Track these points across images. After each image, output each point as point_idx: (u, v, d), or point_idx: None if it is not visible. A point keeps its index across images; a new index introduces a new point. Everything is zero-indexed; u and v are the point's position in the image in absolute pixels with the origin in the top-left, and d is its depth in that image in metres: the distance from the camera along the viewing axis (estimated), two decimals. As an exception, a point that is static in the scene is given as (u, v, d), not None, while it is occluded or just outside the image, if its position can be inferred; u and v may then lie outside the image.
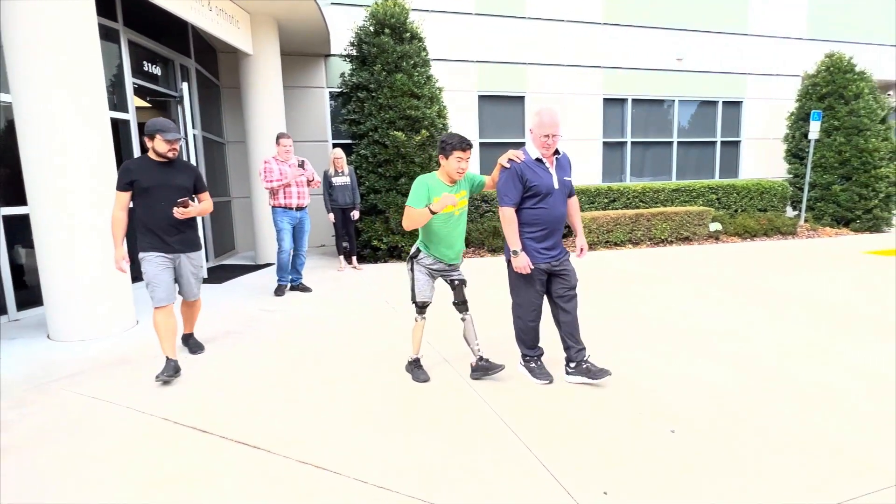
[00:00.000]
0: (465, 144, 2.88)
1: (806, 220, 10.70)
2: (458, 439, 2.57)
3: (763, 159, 12.17)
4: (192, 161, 7.18)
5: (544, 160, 2.97)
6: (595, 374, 3.05)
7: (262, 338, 4.25)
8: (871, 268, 6.85)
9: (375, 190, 7.38)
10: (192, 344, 3.91)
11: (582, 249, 3.24)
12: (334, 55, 9.05)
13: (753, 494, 2.07)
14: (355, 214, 6.87)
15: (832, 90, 10.29)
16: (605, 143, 10.97)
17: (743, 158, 12.10)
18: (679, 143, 11.56)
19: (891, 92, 13.66)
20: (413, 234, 7.51)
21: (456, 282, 3.15)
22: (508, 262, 3.08)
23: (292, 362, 3.67)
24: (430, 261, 3.04)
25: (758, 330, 4.23)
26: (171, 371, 3.28)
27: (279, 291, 5.66)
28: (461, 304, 3.17)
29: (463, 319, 3.20)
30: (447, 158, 2.91)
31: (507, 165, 2.95)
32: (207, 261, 7.60)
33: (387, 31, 7.35)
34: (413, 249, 3.09)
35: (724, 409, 2.82)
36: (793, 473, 2.21)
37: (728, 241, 9.46)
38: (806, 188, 10.54)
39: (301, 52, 8.97)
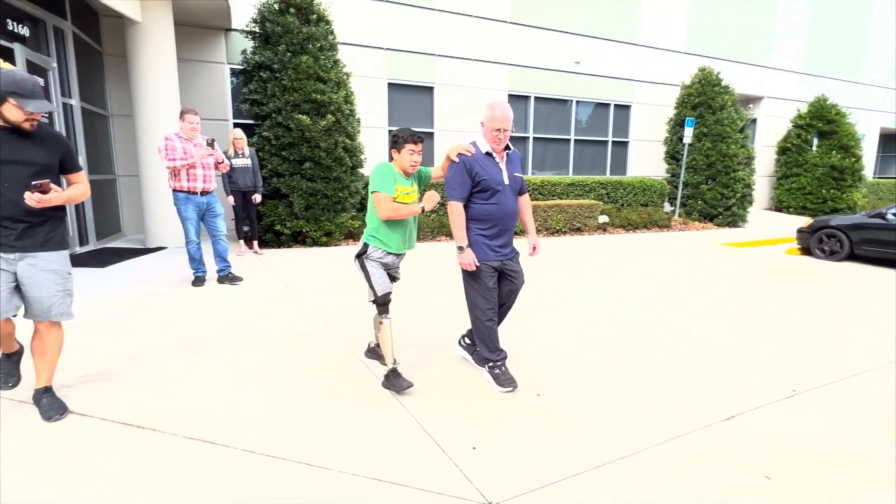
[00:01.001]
0: (416, 138, 2.81)
1: (679, 215, 12.07)
2: (346, 409, 2.74)
3: (647, 159, 13.47)
4: (69, 135, 6.55)
5: (494, 155, 2.89)
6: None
7: (147, 322, 4.09)
8: (724, 257, 7.99)
9: (279, 173, 7.23)
10: (45, 405, 2.54)
11: (534, 248, 3.17)
12: (236, 30, 8.63)
13: (596, 441, 2.47)
14: (257, 198, 6.70)
15: (702, 101, 11.65)
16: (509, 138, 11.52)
17: (630, 157, 13.31)
18: (576, 140, 12.46)
19: (751, 105, 15.67)
20: (320, 220, 7.47)
21: (393, 278, 3.05)
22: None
23: (179, 345, 3.60)
24: (380, 254, 2.90)
25: (625, 305, 4.83)
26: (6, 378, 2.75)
27: (197, 282, 5.20)
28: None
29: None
30: (399, 152, 2.82)
31: (456, 160, 2.85)
32: (87, 243, 7.00)
33: (292, 10, 7.17)
34: (360, 246, 2.92)
35: (586, 376, 3.26)
36: (627, 422, 2.66)
37: (614, 232, 10.44)
38: (680, 187, 11.89)
39: (198, 23, 8.44)
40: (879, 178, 20.19)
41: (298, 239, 7.57)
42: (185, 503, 1.98)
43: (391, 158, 2.92)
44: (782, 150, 14.91)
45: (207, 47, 8.66)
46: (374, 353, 3.23)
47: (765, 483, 2.19)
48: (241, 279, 5.37)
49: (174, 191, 4.96)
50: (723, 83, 11.80)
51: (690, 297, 5.39)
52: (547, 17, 11.46)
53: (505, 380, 3.00)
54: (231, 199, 6.59)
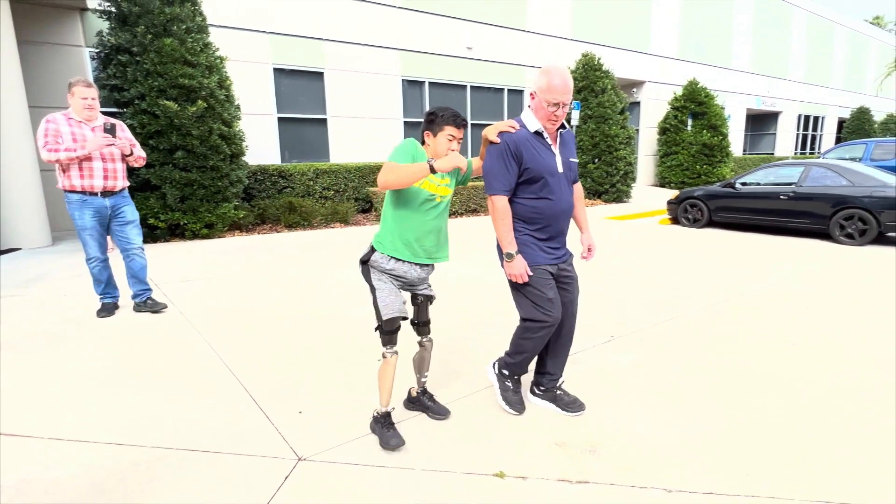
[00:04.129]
0: (459, 120, 2.16)
1: (572, 194, 12.81)
2: (182, 390, 2.71)
3: (542, 142, 14.10)
4: None
5: (546, 135, 2.27)
6: (568, 404, 2.50)
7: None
8: (605, 229, 8.63)
9: (148, 164, 6.80)
10: None
11: (590, 249, 2.58)
12: (92, 10, 7.95)
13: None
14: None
15: (586, 85, 12.40)
16: (406, 123, 11.62)
17: (526, 140, 13.87)
18: (473, 124, 12.78)
19: (634, 89, 16.90)
20: (199, 211, 7.14)
21: (420, 298, 2.35)
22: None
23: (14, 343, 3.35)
24: (390, 264, 2.19)
25: (499, 277, 5.11)
26: None
27: (104, 311, 4.00)
28: (421, 326, 2.39)
29: (420, 344, 2.40)
30: (435, 136, 2.17)
31: (497, 140, 2.22)
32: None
33: (152, -12, 6.74)
34: (365, 251, 2.24)
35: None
36: (457, 374, 2.87)
37: (509, 211, 10.87)
38: (571, 166, 12.60)
39: (46, 1, 7.67)
40: (749, 154, 22.61)
41: (176, 232, 7.21)
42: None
43: (423, 142, 2.23)
44: (662, 131, 16.24)
45: (61, 28, 7.90)
46: (418, 402, 2.54)
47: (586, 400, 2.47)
48: (165, 306, 4.16)
49: (65, 191, 3.79)
50: (603, 68, 12.61)
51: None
52: (437, 2, 11.60)
53: (514, 400, 2.49)
54: None
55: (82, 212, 3.79)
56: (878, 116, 26.51)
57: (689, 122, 15.72)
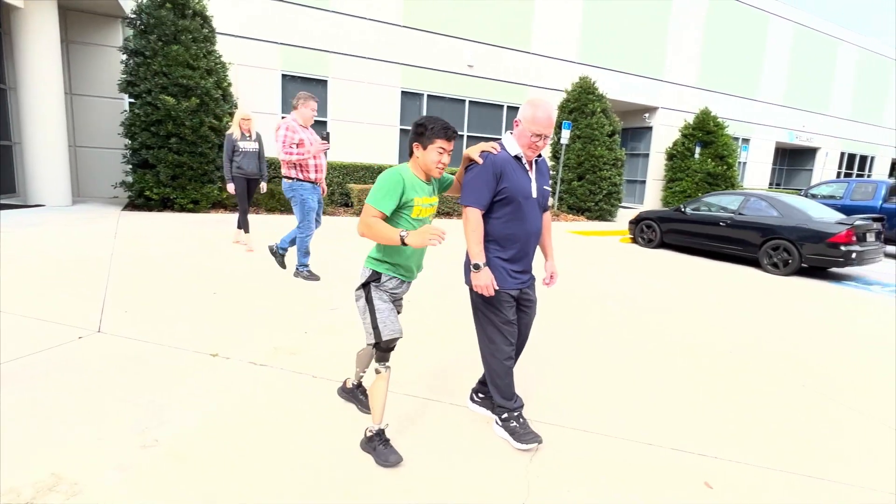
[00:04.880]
0: (450, 133, 2.16)
1: (558, 208, 13.42)
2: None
3: (538, 157, 14.75)
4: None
5: (524, 160, 2.39)
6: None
7: None
8: (563, 242, 9.07)
9: (148, 146, 8.31)
10: None
11: (552, 276, 2.62)
12: (125, 18, 9.67)
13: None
14: (263, 186, 6.36)
15: (577, 106, 13.02)
16: (402, 130, 12.74)
17: (523, 155, 14.58)
18: (469, 137, 13.71)
19: (647, 115, 17.16)
20: (187, 189, 8.54)
21: (397, 309, 2.35)
22: (471, 286, 2.38)
23: None
24: (394, 283, 2.25)
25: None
26: None
27: (303, 275, 5.07)
28: None
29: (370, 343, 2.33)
30: (425, 148, 2.16)
31: (479, 160, 2.31)
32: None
33: (168, 5, 8.25)
34: (367, 272, 2.23)
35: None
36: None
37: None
38: (559, 183, 13.23)
39: (91, 10, 9.42)
40: (781, 188, 21.95)
41: (167, 205, 8.66)
42: None
43: (410, 153, 2.23)
44: (670, 156, 16.41)
45: (102, 32, 9.66)
46: (352, 394, 2.65)
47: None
48: (318, 278, 5.11)
49: (301, 181, 4.76)
50: (597, 91, 13.17)
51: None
52: (439, 22, 12.67)
53: (526, 435, 2.41)
54: (231, 186, 6.08)
55: (312, 196, 4.82)
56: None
57: (697, 150, 15.81)
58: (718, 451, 2.46)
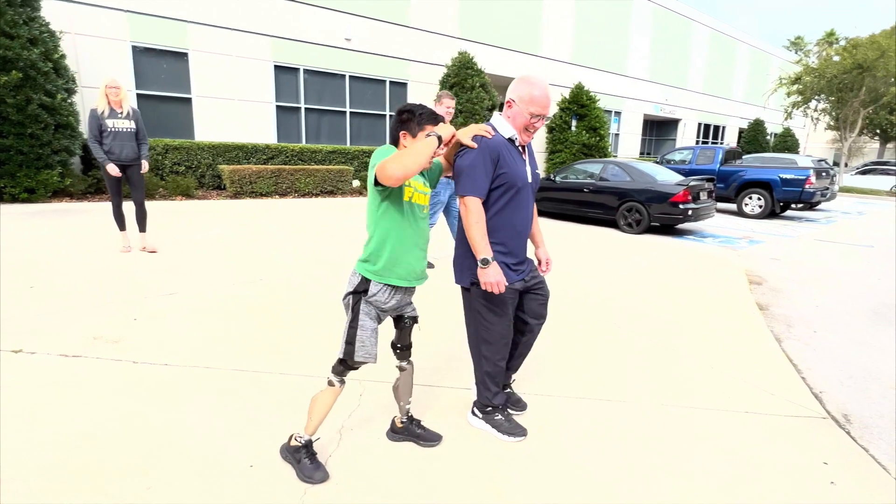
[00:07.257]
0: (438, 118, 1.98)
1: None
2: None
3: (425, 133, 14.86)
4: None
5: (517, 143, 2.19)
6: (518, 401, 2.51)
7: None
8: None
9: (-38, 129, 7.17)
10: None
11: (548, 262, 2.44)
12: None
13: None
14: (144, 165, 5.18)
15: (457, 81, 13.23)
16: (278, 107, 12.13)
17: (409, 131, 14.60)
18: (352, 113, 13.42)
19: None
20: (18, 176, 7.48)
21: (406, 320, 2.13)
22: (468, 287, 2.24)
23: None
24: (386, 294, 1.98)
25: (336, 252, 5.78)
26: None
27: None
28: (403, 349, 2.18)
29: (401, 368, 2.19)
30: (415, 136, 1.94)
31: (472, 144, 2.05)
32: None
33: (-30, -40, 7.05)
34: (355, 280, 1.98)
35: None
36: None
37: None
38: (444, 157, 13.42)
39: None
40: (649, 157, 24.15)
41: (-6, 197, 7.58)
42: None
43: (396, 142, 2.00)
44: (550, 129, 17.31)
45: None
46: (407, 431, 2.28)
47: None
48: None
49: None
50: (476, 67, 13.46)
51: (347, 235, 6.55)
52: (312, -8, 12.14)
53: (511, 428, 2.33)
54: (112, 167, 4.90)
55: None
56: (777, 129, 28.73)
57: (574, 122, 16.83)
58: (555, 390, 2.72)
